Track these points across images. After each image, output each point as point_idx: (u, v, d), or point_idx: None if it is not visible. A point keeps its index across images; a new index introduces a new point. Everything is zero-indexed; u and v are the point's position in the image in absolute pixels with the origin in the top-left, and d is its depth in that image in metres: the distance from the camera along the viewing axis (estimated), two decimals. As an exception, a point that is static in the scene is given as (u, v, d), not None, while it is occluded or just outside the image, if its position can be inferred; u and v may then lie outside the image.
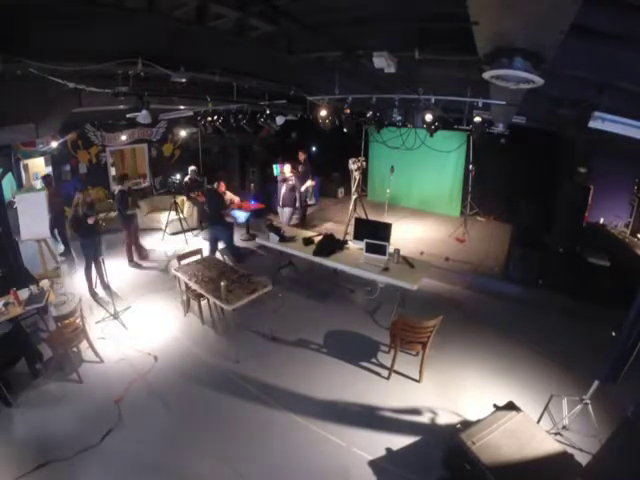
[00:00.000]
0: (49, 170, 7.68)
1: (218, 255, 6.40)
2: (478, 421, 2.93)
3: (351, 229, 6.02)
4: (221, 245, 6.59)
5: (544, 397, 3.47)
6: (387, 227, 5.32)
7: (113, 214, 7.96)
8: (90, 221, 5.11)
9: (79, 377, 3.80)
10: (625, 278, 4.53)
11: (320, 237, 5.50)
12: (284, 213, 7.59)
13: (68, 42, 2.84)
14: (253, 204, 7.77)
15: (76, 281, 5.76)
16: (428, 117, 4.83)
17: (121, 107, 5.12)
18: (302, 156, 7.91)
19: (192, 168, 7.95)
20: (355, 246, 5.30)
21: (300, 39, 3.37)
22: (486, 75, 1.96)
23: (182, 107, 6.53)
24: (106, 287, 5.44)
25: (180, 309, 5.03)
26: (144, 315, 4.96)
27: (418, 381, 3.86)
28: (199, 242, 7.30)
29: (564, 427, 3.19)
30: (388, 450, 3.12)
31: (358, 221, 5.90)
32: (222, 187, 6.39)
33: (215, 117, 6.12)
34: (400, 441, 3.20)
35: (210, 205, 6.37)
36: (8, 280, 4.53)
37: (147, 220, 8.00)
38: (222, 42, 3.14)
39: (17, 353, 3.71)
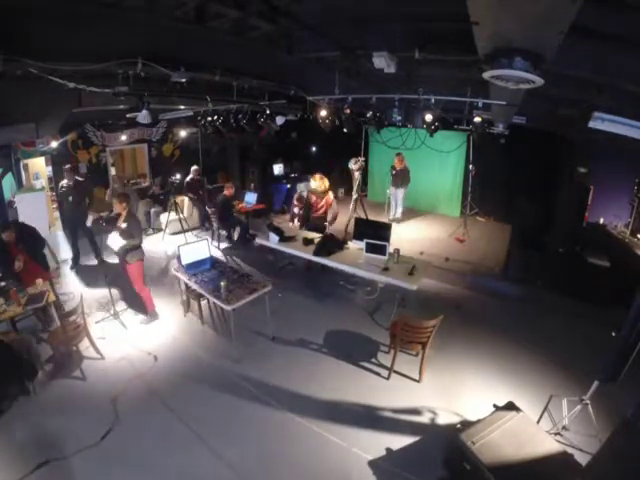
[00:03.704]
0: (49, 170, 7.68)
1: (221, 256, 6.44)
2: (478, 421, 2.93)
3: (351, 229, 6.02)
4: (223, 245, 6.55)
5: (544, 397, 3.47)
6: (387, 227, 5.33)
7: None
8: None
9: (82, 374, 3.81)
10: (625, 278, 4.53)
11: (320, 237, 5.49)
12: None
13: (68, 42, 2.84)
14: (248, 205, 7.85)
15: (76, 281, 5.77)
16: (428, 117, 4.82)
17: (121, 107, 5.12)
18: None
19: (194, 168, 8.05)
20: (355, 246, 5.30)
21: (300, 39, 3.37)
22: (486, 75, 1.97)
23: (182, 107, 6.53)
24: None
25: (180, 309, 5.03)
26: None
27: (418, 381, 3.86)
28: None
29: (564, 427, 3.18)
30: (388, 450, 3.12)
31: (358, 221, 5.90)
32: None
33: (215, 117, 6.12)
34: (400, 441, 3.20)
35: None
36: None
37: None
38: (222, 42, 3.14)
39: (7, 376, 3.52)
